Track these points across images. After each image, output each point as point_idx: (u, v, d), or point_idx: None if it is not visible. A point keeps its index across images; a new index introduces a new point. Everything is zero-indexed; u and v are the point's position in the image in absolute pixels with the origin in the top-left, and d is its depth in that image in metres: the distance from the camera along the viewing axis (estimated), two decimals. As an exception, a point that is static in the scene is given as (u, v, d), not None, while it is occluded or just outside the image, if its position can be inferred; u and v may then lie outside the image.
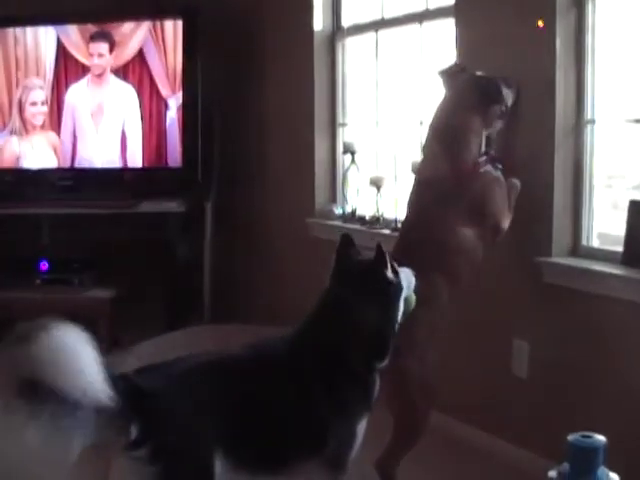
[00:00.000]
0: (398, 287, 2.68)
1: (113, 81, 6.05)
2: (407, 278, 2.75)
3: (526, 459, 3.77)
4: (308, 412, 2.53)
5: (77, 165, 6.17)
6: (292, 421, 2.51)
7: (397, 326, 2.70)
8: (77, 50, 6.06)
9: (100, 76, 6.06)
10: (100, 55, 6.04)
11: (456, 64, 3.90)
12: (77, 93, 6.09)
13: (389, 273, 2.64)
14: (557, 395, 3.73)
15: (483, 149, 3.59)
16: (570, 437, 2.56)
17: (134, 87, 6.03)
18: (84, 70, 6.09)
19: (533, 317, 3.85)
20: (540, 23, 3.67)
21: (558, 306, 3.73)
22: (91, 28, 6.05)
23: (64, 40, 6.07)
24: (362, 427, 2.63)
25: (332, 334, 2.61)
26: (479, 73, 3.71)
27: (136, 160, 6.09)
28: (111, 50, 6.03)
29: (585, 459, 2.55)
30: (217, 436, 2.39)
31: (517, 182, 3.65)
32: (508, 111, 3.69)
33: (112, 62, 6.03)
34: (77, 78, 6.09)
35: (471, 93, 3.60)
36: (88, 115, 6.08)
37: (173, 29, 5.94)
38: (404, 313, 2.75)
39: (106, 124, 6.08)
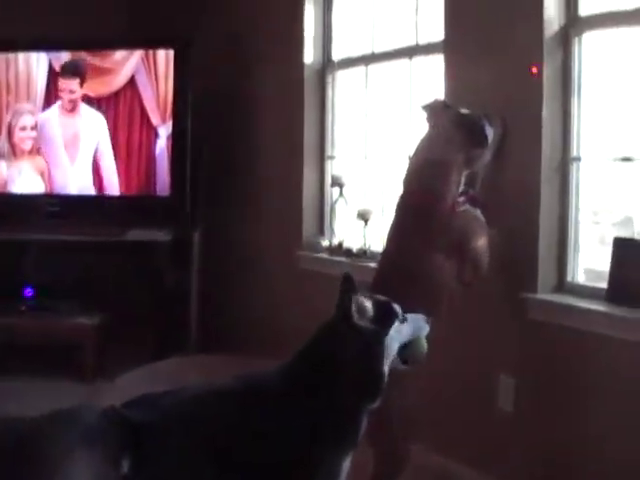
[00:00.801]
0: (373, 333, 2.65)
1: (86, 111, 6.08)
2: (415, 323, 2.76)
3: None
4: (296, 447, 2.52)
5: (62, 192, 6.18)
6: (281, 455, 2.51)
7: (386, 369, 2.67)
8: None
9: (73, 110, 6.09)
10: (71, 91, 6.06)
11: (439, 100, 3.91)
12: (49, 120, 6.13)
13: (357, 321, 2.63)
14: (543, 430, 3.73)
15: (462, 188, 3.61)
16: None
17: (104, 116, 6.07)
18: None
19: (519, 353, 3.85)
20: (534, 69, 3.70)
21: (543, 342, 3.74)
22: (85, 55, 6.08)
23: (56, 66, 6.10)
24: (347, 463, 2.62)
25: (322, 371, 2.61)
26: (464, 110, 3.73)
27: (124, 188, 6.10)
28: (82, 83, 6.05)
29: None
30: (207, 471, 2.39)
31: (494, 232, 3.66)
32: (491, 149, 3.71)
33: (81, 95, 6.07)
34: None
35: (455, 132, 3.61)
36: (62, 144, 6.10)
37: (165, 58, 5.98)
38: (413, 358, 2.76)
39: (84, 153, 6.09)
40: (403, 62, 4.80)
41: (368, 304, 2.66)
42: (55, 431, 2.24)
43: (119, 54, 6.05)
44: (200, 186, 6.08)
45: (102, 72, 6.10)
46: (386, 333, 2.67)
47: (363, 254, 4.82)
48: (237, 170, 6.12)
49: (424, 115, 3.80)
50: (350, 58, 5.29)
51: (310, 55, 5.35)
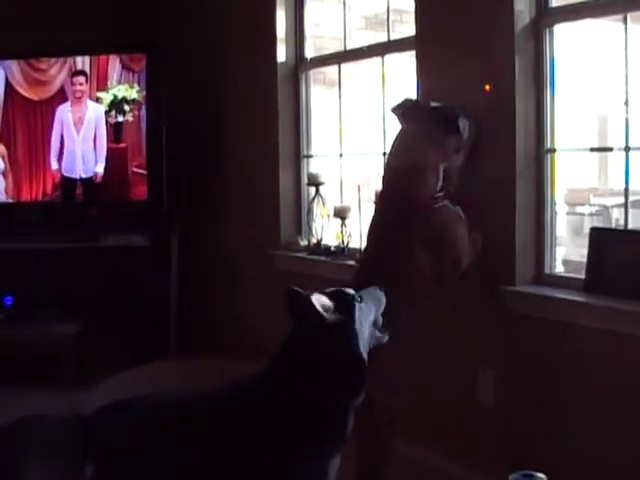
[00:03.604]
0: (342, 324, 2.59)
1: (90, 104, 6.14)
2: (372, 295, 2.72)
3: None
4: (279, 454, 2.46)
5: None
6: (262, 464, 2.45)
7: (365, 354, 2.62)
8: (21, 87, 6.14)
9: (80, 99, 6.12)
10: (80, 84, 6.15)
11: (408, 99, 3.89)
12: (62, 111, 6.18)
13: (326, 318, 2.55)
14: (524, 421, 3.75)
15: (440, 184, 3.59)
16: (511, 476, 2.57)
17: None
18: (27, 104, 6.14)
19: (498, 345, 3.86)
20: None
21: (522, 334, 3.75)
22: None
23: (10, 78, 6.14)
24: (336, 463, 2.56)
25: (302, 374, 2.54)
26: (434, 104, 3.72)
27: (102, 193, 6.10)
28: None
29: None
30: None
31: (478, 236, 3.65)
32: (467, 143, 3.71)
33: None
34: (24, 113, 6.16)
35: (427, 126, 3.60)
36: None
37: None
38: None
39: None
40: (376, 60, 4.80)
41: (326, 299, 2.60)
42: (8, 441, 2.23)
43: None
44: (177, 189, 6.07)
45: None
46: (353, 319, 2.61)
47: (341, 252, 4.82)
48: (212, 171, 6.11)
49: (395, 116, 3.79)
50: (323, 56, 5.30)
51: (283, 54, 5.34)
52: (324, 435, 2.54)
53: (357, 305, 2.65)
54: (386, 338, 2.75)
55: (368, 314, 2.69)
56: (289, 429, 2.49)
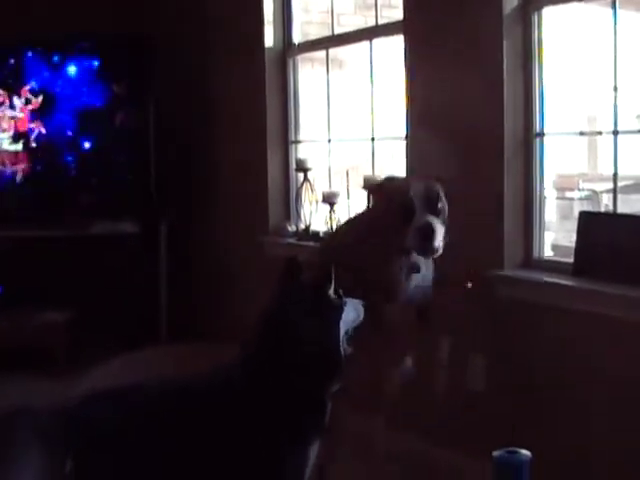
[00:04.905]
0: (339, 308, 2.57)
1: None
2: (356, 307, 2.67)
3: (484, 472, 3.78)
4: (265, 441, 2.45)
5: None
6: (248, 452, 2.44)
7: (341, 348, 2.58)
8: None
9: None
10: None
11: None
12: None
13: (331, 293, 2.56)
14: (514, 407, 3.75)
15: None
16: (495, 453, 2.56)
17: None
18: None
19: (487, 330, 3.86)
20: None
21: (511, 319, 3.75)
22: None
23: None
24: (315, 449, 2.55)
25: (278, 358, 2.52)
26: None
27: (90, 181, 6.08)
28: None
29: (510, 475, 2.55)
30: (163, 470, 2.36)
31: (446, 342, 3.63)
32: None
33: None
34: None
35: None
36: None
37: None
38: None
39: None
40: (364, 44, 4.78)
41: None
42: None
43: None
44: (165, 177, 6.05)
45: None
46: (343, 308, 2.59)
47: (330, 237, 4.81)
48: (201, 157, 6.09)
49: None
50: (311, 40, 5.28)
51: (270, 38, 5.32)
52: (307, 421, 2.54)
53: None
54: (349, 351, 2.66)
55: (346, 319, 2.63)
56: (276, 415, 2.48)
